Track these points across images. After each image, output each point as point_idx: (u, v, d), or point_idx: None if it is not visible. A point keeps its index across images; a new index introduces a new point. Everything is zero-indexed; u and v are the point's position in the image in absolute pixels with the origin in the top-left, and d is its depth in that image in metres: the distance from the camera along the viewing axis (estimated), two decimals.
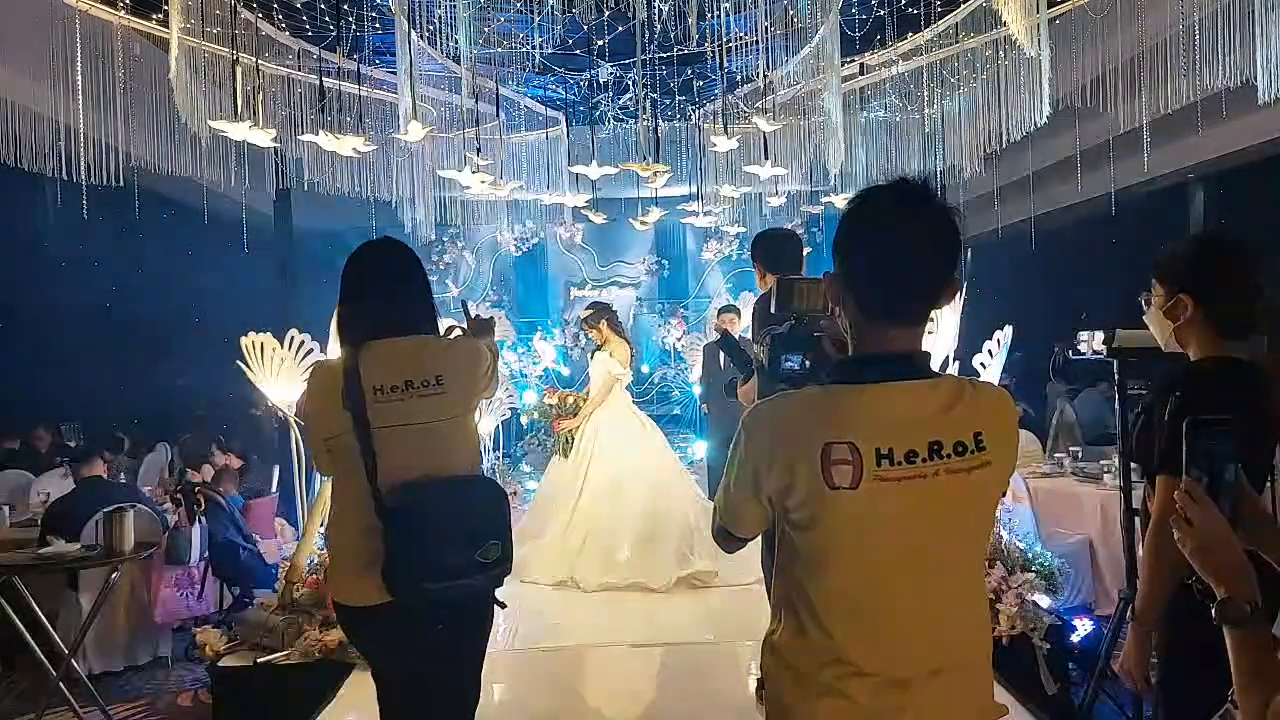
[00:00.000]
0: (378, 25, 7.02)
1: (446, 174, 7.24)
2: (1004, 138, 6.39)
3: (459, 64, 6.82)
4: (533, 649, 4.38)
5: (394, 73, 6.78)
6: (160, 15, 5.86)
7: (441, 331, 2.42)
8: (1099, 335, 2.97)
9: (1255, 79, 4.84)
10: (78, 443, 8.62)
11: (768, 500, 1.35)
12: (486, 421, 7.12)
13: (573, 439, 6.01)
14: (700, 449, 8.52)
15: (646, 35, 6.64)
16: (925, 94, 7.29)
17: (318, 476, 5.10)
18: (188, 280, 11.79)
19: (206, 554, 5.53)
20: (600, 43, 7.76)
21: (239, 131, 5.19)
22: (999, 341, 4.78)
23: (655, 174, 6.56)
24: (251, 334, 4.65)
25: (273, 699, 3.85)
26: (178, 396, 12.48)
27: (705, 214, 9.62)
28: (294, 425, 4.81)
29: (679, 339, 12.22)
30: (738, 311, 7.39)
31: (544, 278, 12.85)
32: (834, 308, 1.44)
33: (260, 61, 6.14)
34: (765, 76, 6.86)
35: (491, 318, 2.67)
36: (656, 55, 7.65)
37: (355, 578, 2.19)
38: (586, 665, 3.89)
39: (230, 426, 9.84)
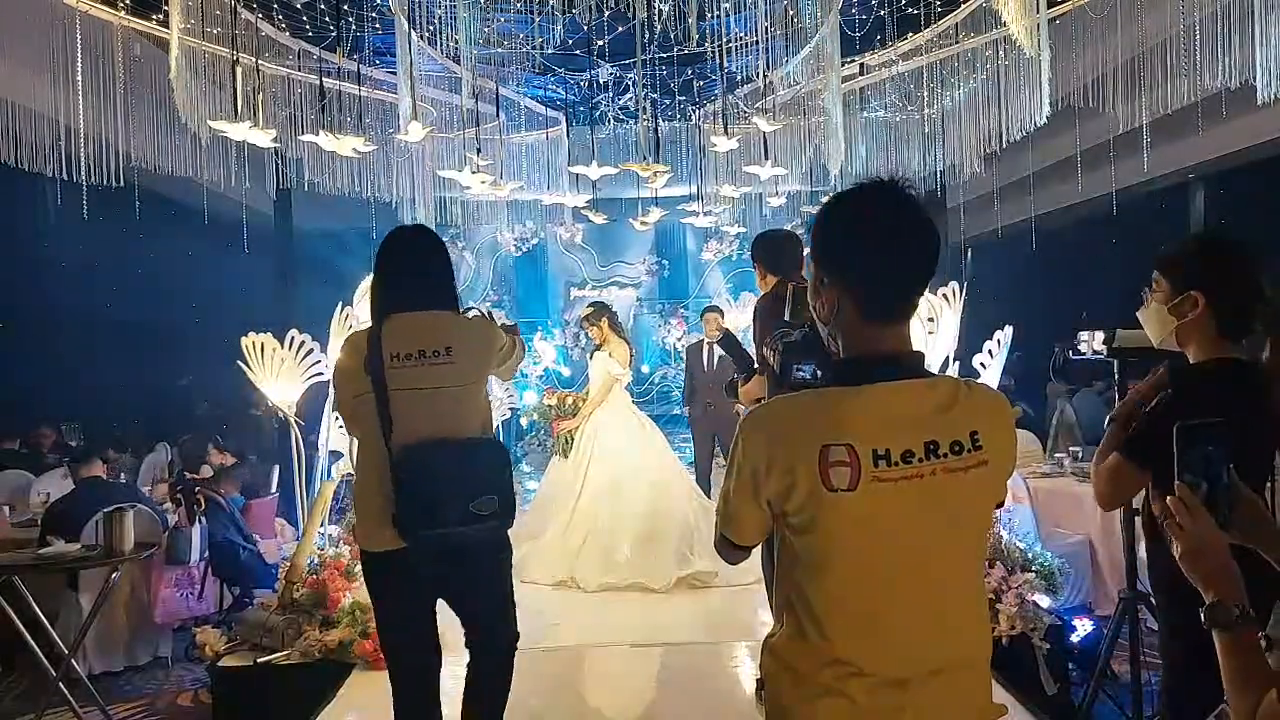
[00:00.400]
0: (378, 25, 7.03)
1: (446, 174, 7.24)
2: (1004, 138, 6.38)
3: (459, 64, 6.82)
4: (533, 649, 4.35)
5: (394, 73, 6.78)
6: (160, 15, 5.85)
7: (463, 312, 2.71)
8: (1099, 335, 2.97)
9: (1254, 80, 4.84)
10: (78, 443, 8.62)
11: (767, 504, 1.35)
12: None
13: (572, 439, 6.02)
14: None
15: (646, 35, 6.63)
16: (925, 94, 7.29)
17: (318, 476, 5.11)
18: (188, 280, 11.80)
19: (206, 554, 5.53)
20: (600, 43, 7.76)
21: (239, 131, 5.19)
22: (999, 342, 4.78)
23: (655, 174, 6.56)
24: (252, 334, 4.65)
25: (273, 699, 3.86)
26: (178, 396, 12.48)
27: (705, 214, 9.61)
28: (294, 425, 4.81)
29: (679, 339, 12.23)
30: (720, 312, 7.50)
31: (544, 278, 12.85)
32: (822, 311, 1.43)
33: (260, 62, 6.14)
34: (765, 76, 6.87)
35: (516, 324, 3.09)
36: (656, 55, 7.65)
37: (376, 527, 2.51)
38: (586, 665, 3.90)
39: (230, 426, 9.84)
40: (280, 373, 4.68)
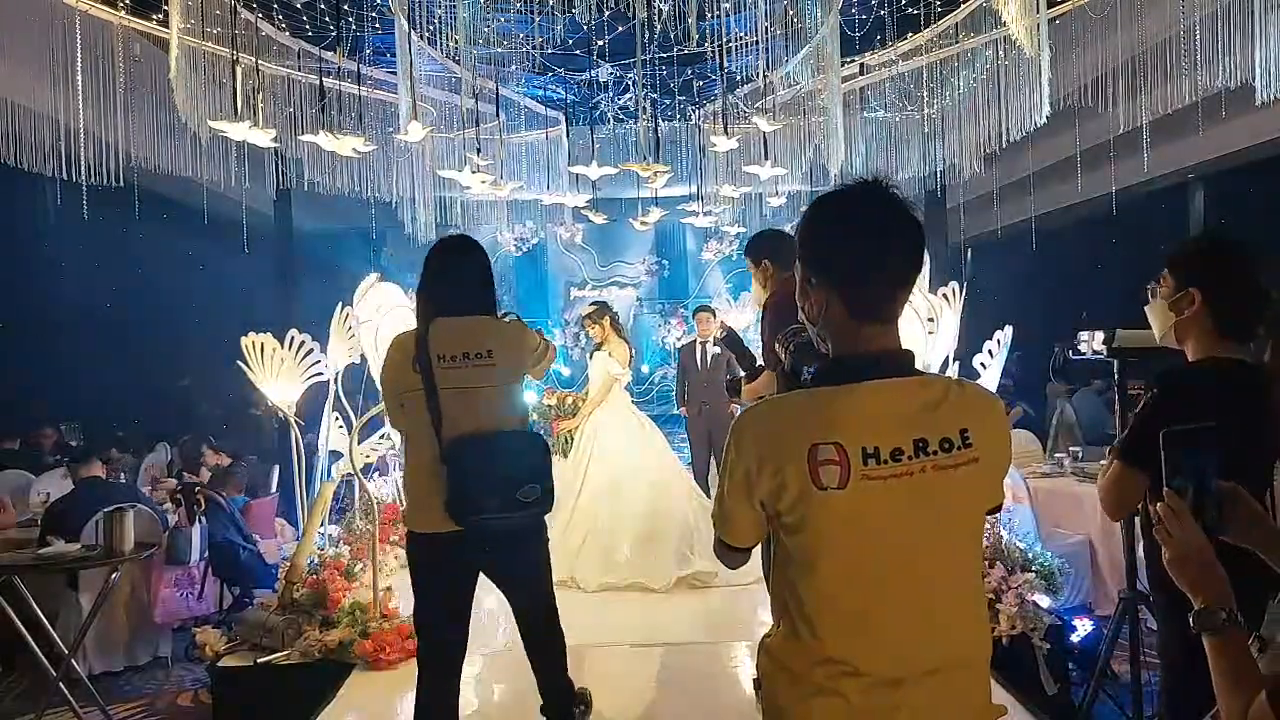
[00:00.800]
0: (378, 25, 7.03)
1: (446, 174, 7.24)
2: (1004, 138, 6.39)
3: (459, 64, 6.82)
4: None
5: (394, 73, 6.79)
6: (160, 15, 5.86)
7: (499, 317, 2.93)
8: (1099, 335, 2.97)
9: (1254, 80, 4.84)
10: (78, 443, 8.62)
11: (760, 505, 1.35)
12: None
13: (572, 439, 6.02)
14: None
15: (646, 35, 6.63)
16: (925, 94, 7.30)
17: (318, 477, 5.12)
18: (188, 280, 11.79)
19: (206, 554, 5.53)
20: (600, 43, 7.76)
21: (239, 131, 5.19)
22: (999, 341, 4.77)
23: (655, 174, 6.56)
24: (252, 334, 4.65)
25: (273, 699, 3.85)
26: (178, 396, 12.47)
27: (705, 214, 9.62)
28: (294, 425, 4.81)
29: (679, 339, 12.24)
30: (713, 311, 7.63)
31: (544, 278, 12.86)
32: (810, 311, 1.43)
33: (260, 62, 6.14)
34: (765, 76, 6.87)
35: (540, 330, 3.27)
36: (656, 55, 7.65)
37: (427, 511, 2.73)
38: (586, 665, 3.88)
39: (230, 426, 9.84)
40: (280, 373, 4.69)
